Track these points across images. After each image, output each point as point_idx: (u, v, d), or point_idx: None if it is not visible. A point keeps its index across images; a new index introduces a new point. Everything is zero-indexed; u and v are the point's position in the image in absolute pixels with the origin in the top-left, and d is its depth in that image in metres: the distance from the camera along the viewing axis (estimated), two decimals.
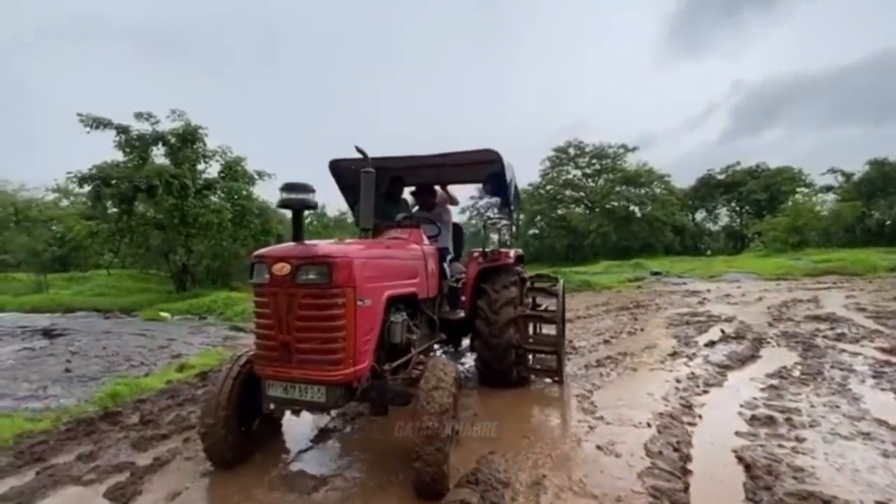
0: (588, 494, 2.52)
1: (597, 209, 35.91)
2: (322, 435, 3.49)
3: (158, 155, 16.43)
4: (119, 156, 15.92)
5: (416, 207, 5.09)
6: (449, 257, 4.65)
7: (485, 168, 4.75)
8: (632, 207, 34.23)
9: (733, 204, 41.06)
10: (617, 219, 33.67)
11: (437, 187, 5.13)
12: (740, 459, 2.92)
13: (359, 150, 3.87)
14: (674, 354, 5.78)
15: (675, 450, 3.02)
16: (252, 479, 2.81)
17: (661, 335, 7.20)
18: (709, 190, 40.65)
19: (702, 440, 3.21)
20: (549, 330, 4.85)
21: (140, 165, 15.34)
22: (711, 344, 6.31)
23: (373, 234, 3.98)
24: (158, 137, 16.17)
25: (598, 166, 37.60)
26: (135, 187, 14.75)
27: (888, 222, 28.95)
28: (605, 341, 6.77)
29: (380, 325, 2.90)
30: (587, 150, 37.06)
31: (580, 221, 34.49)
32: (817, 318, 8.20)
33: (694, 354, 5.74)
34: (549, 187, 37.57)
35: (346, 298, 2.57)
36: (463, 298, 4.82)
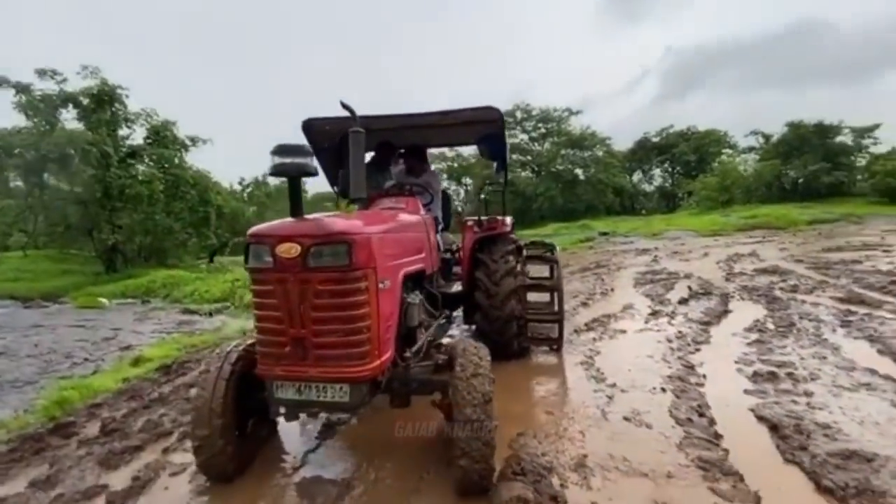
0: (637, 472, 2.41)
1: (543, 173, 36.48)
2: (326, 431, 3.15)
3: (69, 119, 14.30)
4: (21, 120, 13.67)
5: (402, 172, 4.64)
6: (440, 227, 4.31)
7: (481, 128, 4.38)
8: (577, 171, 35.11)
9: (666, 165, 43.36)
10: (563, 182, 34.45)
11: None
12: (761, 419, 2.95)
13: (345, 107, 3.35)
14: (654, 314, 5.91)
15: (701, 415, 3.00)
16: (262, 492, 2.44)
17: (632, 295, 7.38)
18: (645, 152, 42.54)
19: (717, 402, 3.22)
20: (535, 297, 4.74)
21: (48, 132, 13.27)
22: (684, 301, 6.53)
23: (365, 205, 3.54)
24: (67, 98, 14.00)
25: (543, 130, 37.94)
26: (43, 157, 12.79)
27: (801, 180, 31.76)
28: (583, 304, 6.82)
29: (398, 308, 2.56)
30: (534, 113, 37.15)
31: (528, 185, 34.94)
32: (766, 272, 8.78)
33: (673, 312, 5.90)
34: None
35: (369, 282, 2.20)
36: (457, 270, 4.55)
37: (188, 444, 3.00)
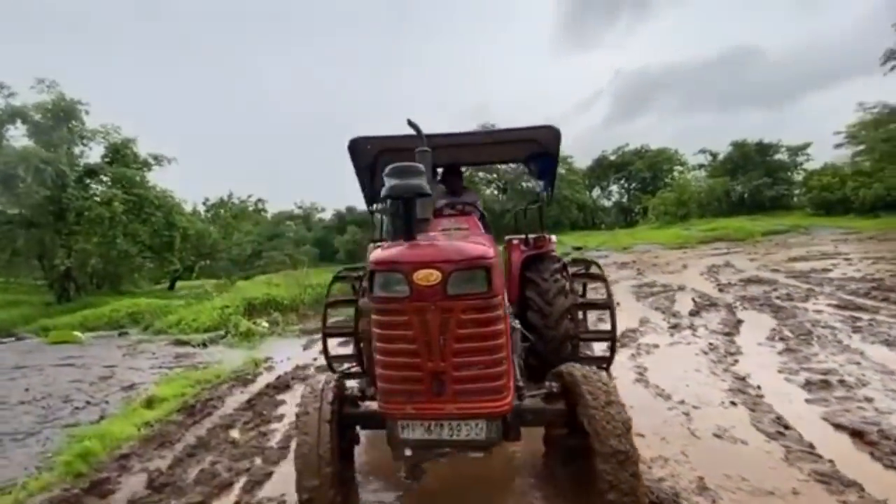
0: (762, 491, 2.39)
1: (508, 190, 37.24)
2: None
3: (17, 136, 13.12)
4: None
5: (442, 191, 4.54)
6: None
7: (533, 146, 4.36)
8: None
9: (623, 182, 45.59)
10: (530, 199, 35.29)
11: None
12: (839, 426, 3.04)
13: (411, 125, 3.26)
14: (675, 327, 6.05)
15: (786, 427, 3.05)
16: None
17: (641, 308, 7.54)
18: (603, 170, 44.60)
19: (790, 413, 3.28)
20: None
21: None
22: (695, 314, 6.74)
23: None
24: (15, 113, 12.86)
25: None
26: None
27: (747, 194, 34.21)
28: (599, 318, 6.89)
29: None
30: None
31: (495, 202, 35.53)
32: (751, 281, 9.26)
33: (692, 325, 6.06)
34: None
35: (503, 309, 2.08)
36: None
37: (259, 494, 2.72)
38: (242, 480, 2.91)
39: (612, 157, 44.54)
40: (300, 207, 50.18)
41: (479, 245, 2.17)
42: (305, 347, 6.62)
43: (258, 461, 3.15)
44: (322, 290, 10.37)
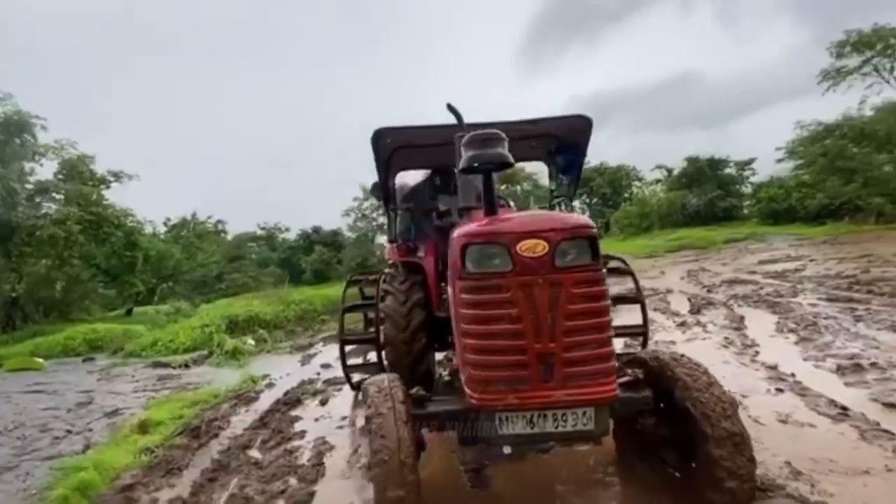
0: (857, 471, 2.30)
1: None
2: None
3: None
4: None
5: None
6: None
7: (555, 139, 4.27)
8: (511, 203, 36.70)
9: (584, 197, 47.22)
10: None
11: None
12: (888, 405, 3.03)
13: (451, 109, 3.11)
14: (683, 324, 6.08)
15: (844, 408, 3.01)
16: None
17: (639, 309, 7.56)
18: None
19: (841, 396, 3.26)
20: None
21: None
22: (696, 311, 6.82)
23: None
24: None
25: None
26: None
27: (701, 206, 36.17)
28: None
29: None
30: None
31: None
32: (734, 282, 9.55)
33: (698, 322, 6.11)
34: None
35: (606, 283, 1.92)
36: None
37: None
38: None
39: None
40: (263, 228, 48.54)
41: (577, 215, 2.01)
42: (303, 363, 6.17)
43: (293, 481, 2.78)
44: (306, 307, 9.90)
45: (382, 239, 45.57)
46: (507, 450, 1.91)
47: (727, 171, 38.01)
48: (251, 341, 7.31)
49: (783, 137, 34.05)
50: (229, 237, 41.02)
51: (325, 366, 5.80)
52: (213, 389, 4.98)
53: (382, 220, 42.39)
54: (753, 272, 10.91)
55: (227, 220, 32.94)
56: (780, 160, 34.33)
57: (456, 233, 1.99)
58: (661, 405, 2.20)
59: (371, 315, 5.16)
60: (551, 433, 1.86)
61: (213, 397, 4.70)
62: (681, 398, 2.08)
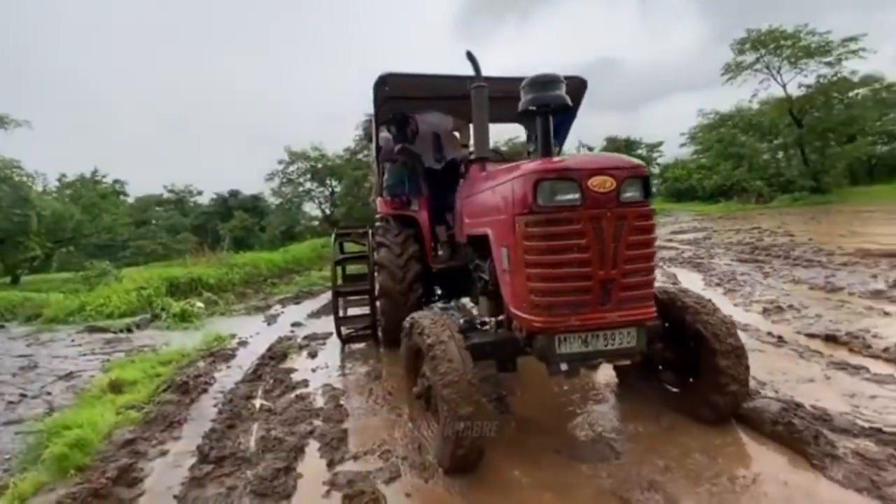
0: (805, 379, 2.88)
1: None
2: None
3: None
4: None
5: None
6: None
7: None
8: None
9: None
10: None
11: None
12: (813, 335, 3.74)
13: (470, 58, 3.15)
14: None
15: (781, 338, 3.67)
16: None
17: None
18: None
19: (772, 330, 3.94)
20: None
21: None
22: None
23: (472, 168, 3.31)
24: None
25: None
26: None
27: None
28: None
29: None
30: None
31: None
32: (659, 248, 10.72)
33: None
34: (365, 153, 36.92)
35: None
36: None
37: (351, 449, 2.45)
38: (315, 443, 2.56)
39: (504, 148, 47.33)
40: (171, 191, 44.01)
41: (632, 158, 2.20)
42: (269, 323, 5.94)
43: (318, 423, 2.81)
44: (251, 270, 9.38)
45: (309, 206, 43.52)
46: (563, 367, 2.12)
47: (639, 151, 41.49)
48: (200, 304, 6.82)
49: (688, 123, 37.73)
50: (130, 199, 36.71)
51: (297, 324, 5.65)
52: (177, 349, 4.67)
53: (310, 185, 40.46)
54: (670, 240, 12.27)
55: (126, 181, 29.29)
56: (682, 144, 38.29)
57: (521, 170, 2.10)
58: (668, 331, 2.55)
59: (350, 271, 5.10)
60: (602, 351, 2.11)
61: (183, 356, 4.42)
62: (692, 321, 2.44)
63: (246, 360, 4.28)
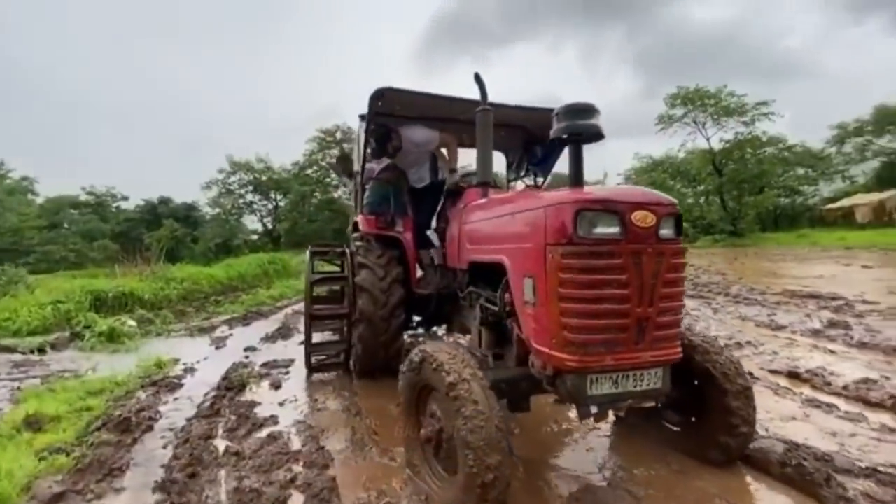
0: (787, 417, 2.96)
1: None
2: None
3: None
4: None
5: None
6: None
7: (520, 132, 4.45)
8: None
9: None
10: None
11: None
12: (776, 371, 3.95)
13: (478, 81, 3.09)
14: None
15: (752, 374, 3.80)
16: None
17: None
18: None
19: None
20: None
21: None
22: None
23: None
24: None
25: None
26: None
27: None
28: None
29: None
30: (353, 136, 37.28)
31: (348, 205, 34.76)
32: None
33: None
34: (314, 168, 36.03)
35: None
36: None
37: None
38: (299, 496, 2.22)
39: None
40: (91, 193, 39.97)
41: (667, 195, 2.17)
42: (217, 347, 5.34)
43: (298, 468, 2.45)
44: (190, 286, 8.56)
45: (249, 218, 41.21)
46: (594, 409, 2.00)
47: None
48: (132, 322, 6.02)
49: (623, 165, 40.74)
50: (40, 199, 32.76)
51: (251, 349, 5.13)
52: (109, 377, 4.02)
53: (251, 197, 38.47)
54: None
55: (36, 178, 26.06)
56: (619, 184, 41.19)
57: (557, 198, 2.00)
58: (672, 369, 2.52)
59: (318, 292, 4.73)
60: (631, 392, 2.01)
61: (117, 385, 3.81)
62: (701, 360, 2.43)
63: (196, 390, 3.76)
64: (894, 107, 29.83)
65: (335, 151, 36.24)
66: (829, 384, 3.58)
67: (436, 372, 2.05)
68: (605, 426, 2.94)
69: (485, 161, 3.12)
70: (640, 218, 1.91)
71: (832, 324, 5.48)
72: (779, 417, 2.99)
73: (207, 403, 3.36)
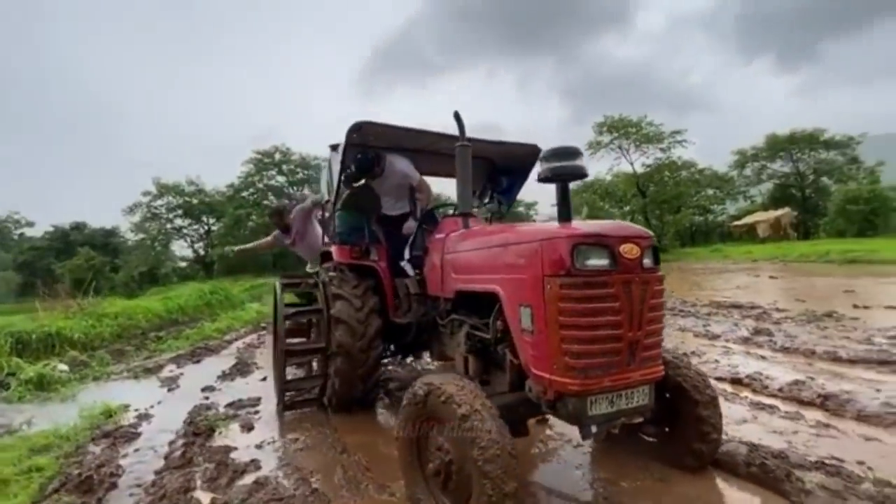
0: (737, 420, 3.30)
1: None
2: None
3: None
4: None
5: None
6: None
7: (486, 163, 4.67)
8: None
9: None
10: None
11: None
12: (721, 378, 4.39)
13: (457, 119, 3.27)
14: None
15: None
16: None
17: None
18: None
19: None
20: None
21: None
22: None
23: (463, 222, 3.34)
24: None
25: (302, 175, 37.51)
26: None
27: None
28: None
29: None
30: (293, 157, 36.39)
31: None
32: None
33: None
34: (251, 191, 34.57)
35: None
36: None
37: None
38: None
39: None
40: None
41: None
42: (169, 388, 4.94)
43: None
44: (124, 321, 7.87)
45: (178, 244, 38.36)
46: (594, 429, 2.15)
47: (519, 209, 46.01)
48: (63, 366, 5.40)
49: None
50: None
51: (209, 388, 4.81)
52: (51, 430, 3.61)
53: (180, 221, 35.92)
54: None
55: None
56: (553, 205, 43.24)
57: (552, 232, 2.16)
58: None
59: (290, 326, 4.57)
60: (624, 409, 2.18)
61: (63, 439, 3.43)
62: (673, 375, 2.68)
63: (157, 439, 3.48)
64: (782, 136, 34.34)
65: (275, 181, 35.07)
66: (766, 387, 4.04)
67: (445, 404, 2.11)
68: (587, 443, 3.11)
69: (464, 193, 3.26)
70: (628, 250, 2.12)
71: (757, 331, 6.16)
72: (733, 421, 3.33)
73: (177, 453, 3.12)
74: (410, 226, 4.11)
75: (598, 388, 2.08)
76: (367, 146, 4.02)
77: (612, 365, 2.11)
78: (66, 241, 33.50)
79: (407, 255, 4.02)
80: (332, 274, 3.98)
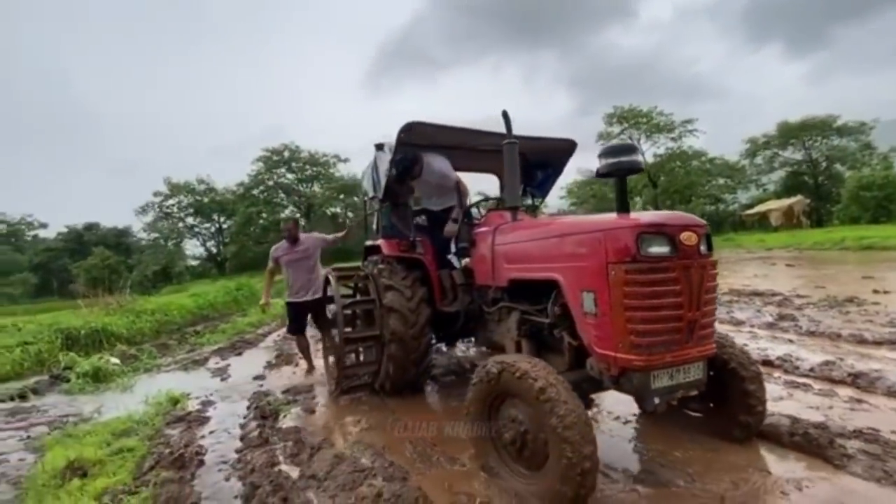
0: (772, 397, 3.49)
1: (311, 215, 36.09)
2: None
3: None
4: None
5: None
6: None
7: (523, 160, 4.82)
8: (350, 213, 36.48)
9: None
10: (337, 224, 35.06)
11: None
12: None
13: (504, 117, 3.45)
14: None
15: None
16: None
17: None
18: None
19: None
20: None
21: None
22: None
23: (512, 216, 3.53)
24: None
25: (310, 172, 37.80)
26: None
27: None
28: None
29: None
30: (301, 155, 36.64)
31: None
32: None
33: None
34: (261, 188, 34.91)
35: None
36: None
37: None
38: None
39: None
40: (1, 221, 36.06)
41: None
42: (222, 378, 5.21)
43: (380, 483, 2.59)
44: (161, 317, 8.16)
45: (190, 243, 38.79)
46: (657, 400, 2.35)
47: (527, 202, 46.02)
48: (115, 359, 5.69)
49: (565, 179, 43.21)
50: None
51: (259, 377, 5.07)
52: (126, 417, 3.88)
53: (191, 220, 36.33)
54: None
55: None
56: (561, 197, 43.46)
57: (616, 223, 2.36)
58: None
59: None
60: (682, 383, 2.39)
61: (140, 424, 3.69)
62: (720, 353, 2.87)
63: (227, 422, 3.73)
64: (794, 123, 34.07)
65: (285, 179, 35.29)
66: (797, 368, 4.21)
67: (520, 380, 2.32)
68: (634, 420, 3.32)
69: (512, 188, 3.46)
70: (687, 238, 2.31)
71: (781, 317, 6.32)
72: (770, 399, 3.47)
73: (253, 433, 3.37)
74: (451, 228, 4.21)
75: (660, 363, 2.29)
76: (418, 145, 4.20)
77: (673, 342, 2.31)
78: (80, 241, 34.06)
79: (453, 248, 4.23)
80: (381, 266, 4.19)
